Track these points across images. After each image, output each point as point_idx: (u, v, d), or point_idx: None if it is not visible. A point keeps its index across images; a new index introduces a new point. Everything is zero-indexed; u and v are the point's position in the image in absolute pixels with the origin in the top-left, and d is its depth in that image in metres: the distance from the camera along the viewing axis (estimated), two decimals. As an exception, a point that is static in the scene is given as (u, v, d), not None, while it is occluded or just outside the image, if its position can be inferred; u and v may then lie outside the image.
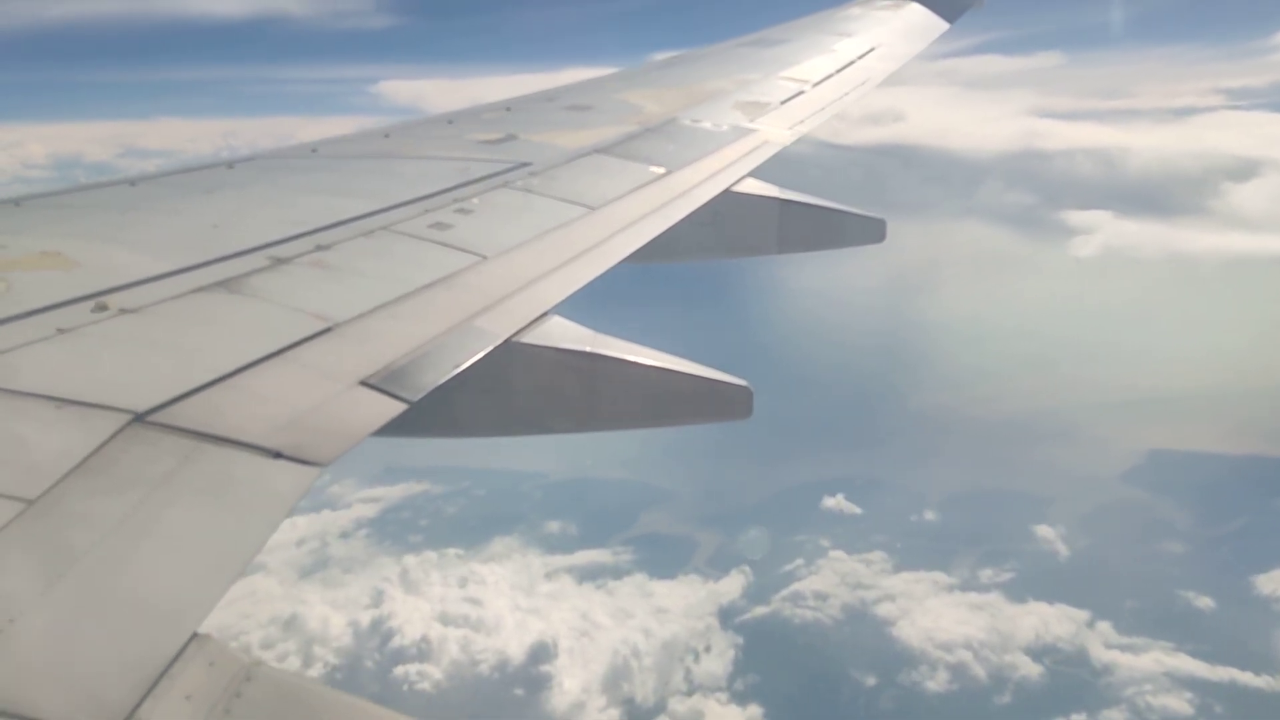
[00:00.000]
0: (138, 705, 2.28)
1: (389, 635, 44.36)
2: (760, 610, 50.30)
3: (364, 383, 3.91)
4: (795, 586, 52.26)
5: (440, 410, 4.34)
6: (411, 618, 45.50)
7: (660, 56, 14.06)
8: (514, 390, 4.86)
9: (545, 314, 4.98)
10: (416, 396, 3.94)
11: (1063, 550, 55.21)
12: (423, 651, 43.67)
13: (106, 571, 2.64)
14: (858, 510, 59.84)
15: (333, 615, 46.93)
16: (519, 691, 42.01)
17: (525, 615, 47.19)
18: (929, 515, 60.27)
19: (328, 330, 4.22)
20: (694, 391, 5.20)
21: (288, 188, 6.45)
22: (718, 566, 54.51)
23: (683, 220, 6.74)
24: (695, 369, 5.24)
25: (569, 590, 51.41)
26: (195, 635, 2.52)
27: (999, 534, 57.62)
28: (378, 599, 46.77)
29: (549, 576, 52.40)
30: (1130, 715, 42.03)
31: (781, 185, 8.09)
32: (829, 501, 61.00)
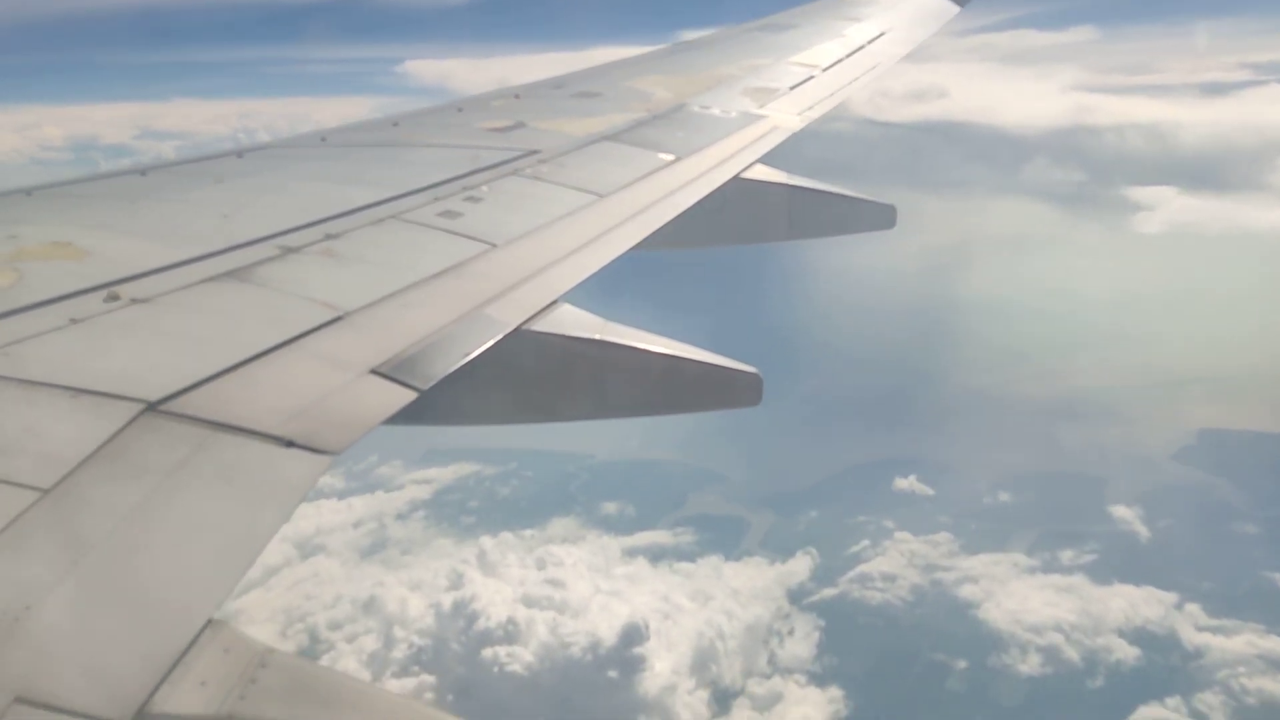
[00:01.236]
0: (153, 692, 2.30)
1: (473, 617, 44.56)
2: (830, 592, 50.29)
3: (375, 371, 3.92)
4: (862, 568, 52.09)
5: (451, 398, 4.35)
6: (494, 600, 45.67)
7: (690, 35, 14.02)
8: (524, 378, 4.87)
9: (555, 302, 4.99)
10: (427, 385, 3.95)
11: (1143, 531, 54.55)
12: (510, 634, 43.91)
13: (121, 559, 2.66)
14: (926, 491, 59.34)
15: (411, 597, 46.97)
16: (613, 674, 42.28)
17: (607, 598, 47.15)
18: (991, 496, 59.84)
19: (338, 319, 4.23)
20: (704, 378, 5.20)
21: (297, 177, 6.46)
22: (772, 548, 54.26)
23: (692, 207, 6.73)
24: (705, 356, 5.23)
25: (645, 572, 51.27)
26: (210, 622, 2.54)
27: (1069, 515, 57.08)
28: (457, 581, 46.81)
29: (626, 558, 52.34)
30: (1226, 698, 41.66)
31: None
32: (889, 482, 60.49)
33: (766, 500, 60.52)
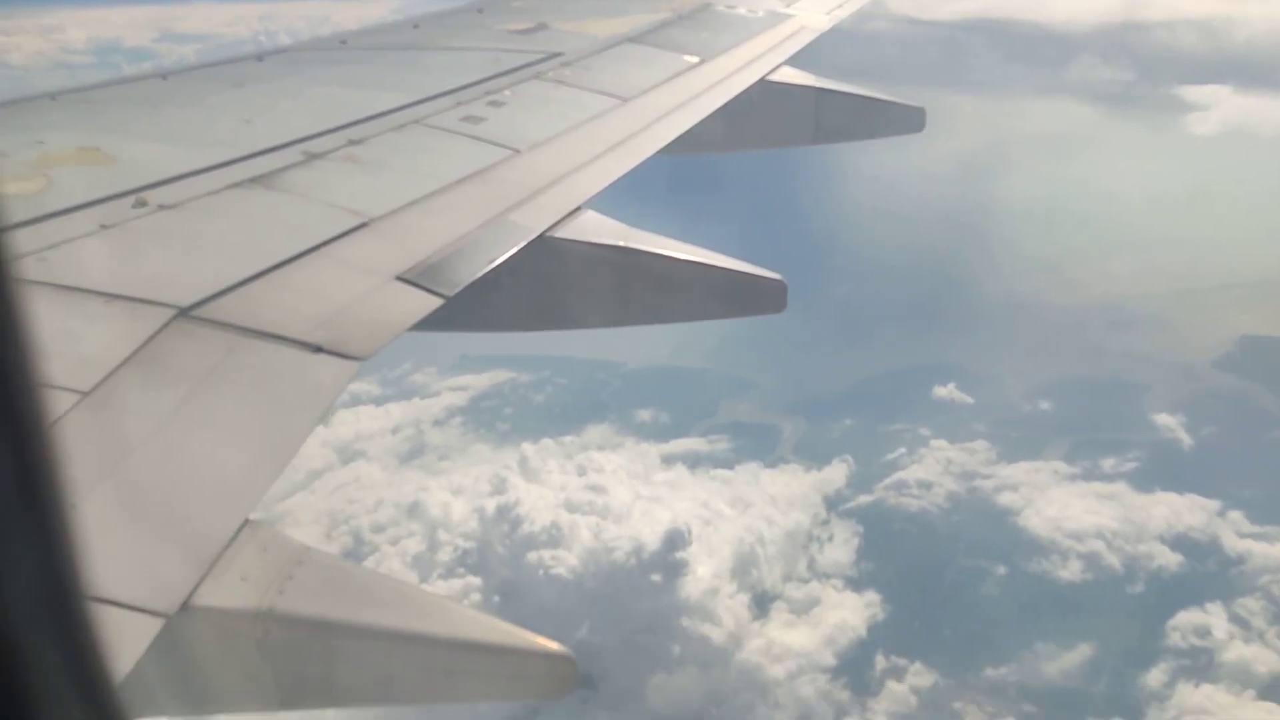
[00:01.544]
0: (196, 587, 2.39)
1: (517, 522, 44.81)
2: (866, 499, 49.78)
3: (400, 278, 3.95)
4: (899, 475, 51.25)
5: (476, 305, 4.38)
6: (537, 505, 45.70)
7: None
8: (548, 285, 4.89)
9: (579, 208, 4.97)
10: (453, 291, 3.98)
11: (1185, 438, 54.19)
12: (554, 538, 44.20)
13: (160, 461, 2.74)
14: (963, 398, 58.67)
15: (454, 502, 47.63)
16: (656, 578, 42.83)
17: (648, 504, 47.43)
18: (1030, 404, 58.48)
19: (363, 225, 4.25)
20: (728, 285, 5.20)
21: (317, 81, 6.40)
22: (807, 455, 54.02)
23: (717, 111, 6.63)
24: (729, 263, 5.22)
25: (684, 479, 51.85)
26: (248, 521, 2.63)
27: (1109, 422, 56.25)
28: (500, 486, 47.49)
29: (664, 465, 53.01)
30: (1267, 603, 41.90)
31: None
32: (924, 390, 59.29)
33: (798, 407, 60.19)
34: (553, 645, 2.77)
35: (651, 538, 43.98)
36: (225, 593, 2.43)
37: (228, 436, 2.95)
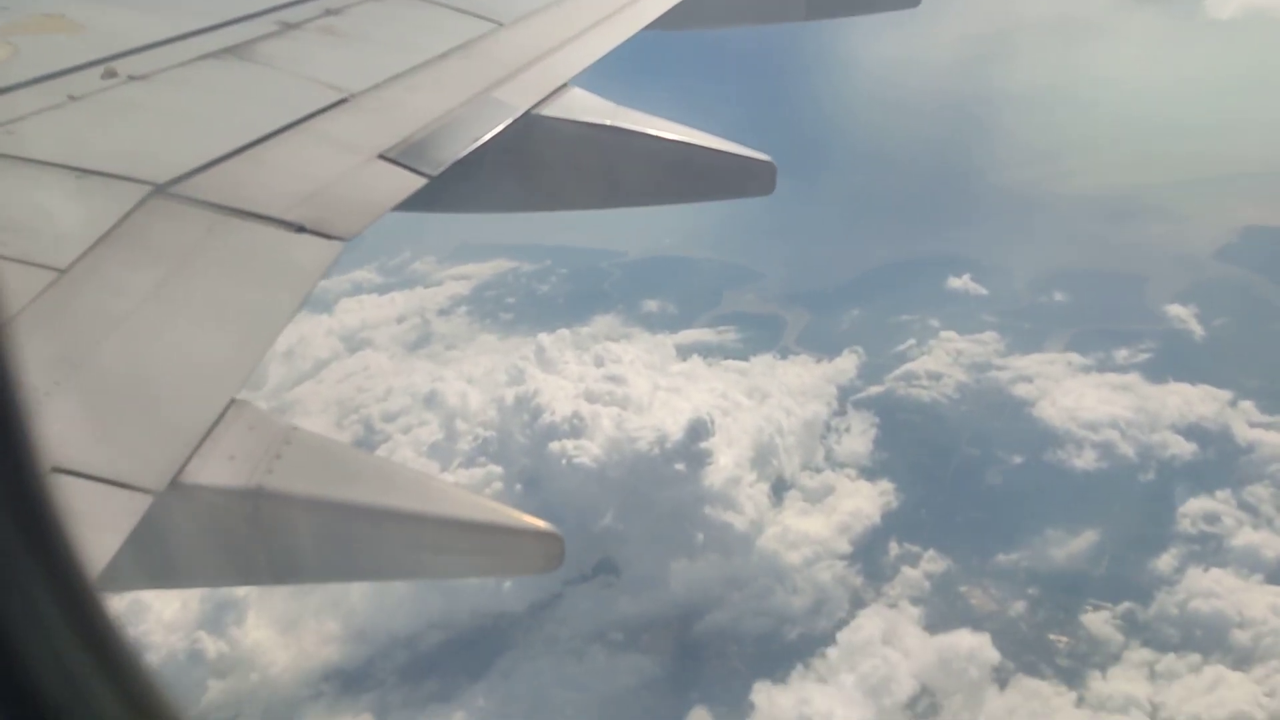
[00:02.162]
0: (184, 464, 2.39)
1: (538, 412, 44.71)
2: (876, 389, 50.02)
3: (383, 156, 3.86)
4: (909, 366, 51.49)
5: (460, 184, 4.30)
6: (556, 395, 45.55)
7: None
8: (534, 164, 4.79)
9: (565, 85, 4.84)
10: (436, 171, 3.89)
11: (1197, 329, 54.20)
12: (575, 428, 44.13)
13: (143, 340, 2.70)
14: (971, 289, 58.06)
15: (471, 391, 47.23)
16: (679, 467, 42.95)
17: (667, 394, 47.33)
18: (1038, 295, 57.98)
19: (343, 101, 4.12)
20: (716, 166, 5.11)
21: (292, -53, 6.12)
22: (815, 346, 53.73)
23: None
24: (718, 143, 5.12)
25: (700, 370, 51.57)
26: (233, 401, 2.62)
27: (1118, 314, 56.17)
28: (518, 376, 47.18)
29: (680, 355, 52.81)
30: (1275, 490, 42.30)
31: None
32: (931, 280, 58.84)
33: (800, 298, 59.63)
34: (539, 523, 2.81)
35: (674, 428, 44.09)
36: (213, 471, 2.43)
37: (210, 317, 2.91)
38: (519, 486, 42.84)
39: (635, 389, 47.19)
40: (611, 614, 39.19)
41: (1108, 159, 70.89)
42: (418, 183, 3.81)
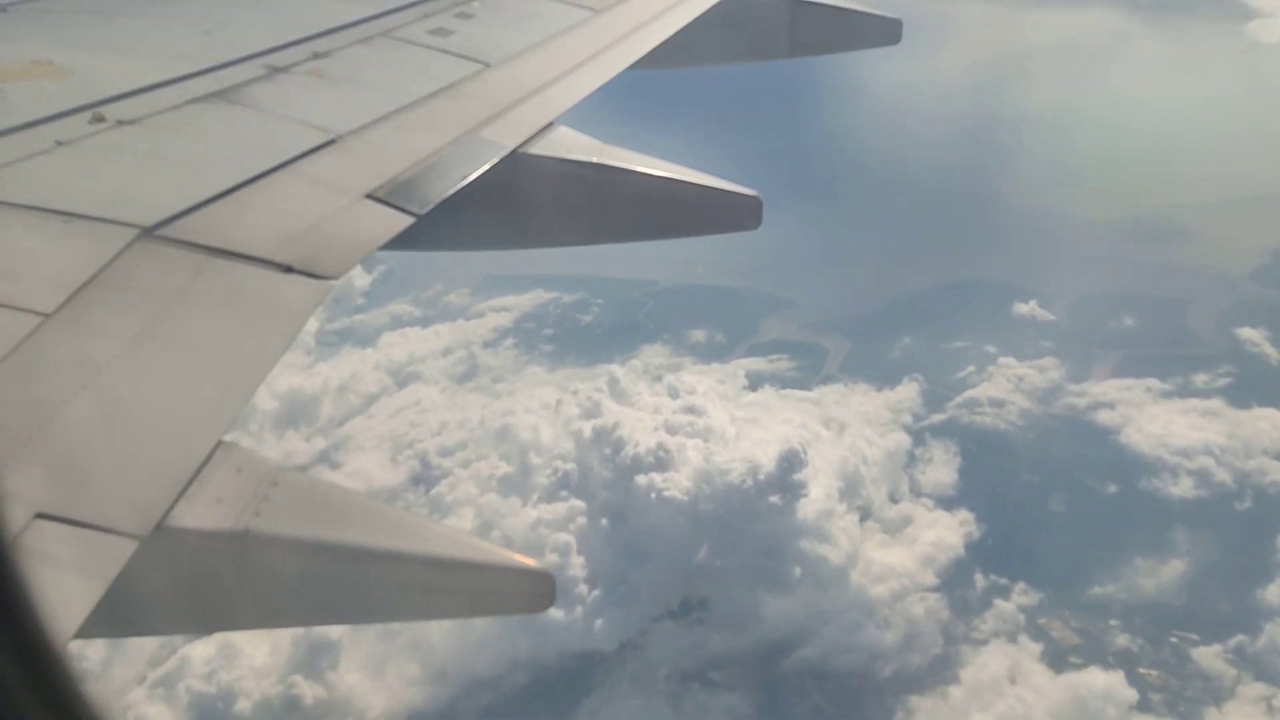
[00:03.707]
0: (170, 508, 2.38)
1: (619, 445, 43.66)
2: (940, 417, 48.85)
3: (370, 196, 3.88)
4: (971, 393, 50.27)
5: (448, 223, 4.32)
6: (636, 427, 44.54)
7: None
8: (521, 202, 4.82)
9: (551, 124, 4.88)
10: (424, 209, 3.91)
11: (1271, 352, 52.12)
12: (661, 461, 42.99)
13: (130, 382, 2.69)
14: (1029, 314, 56.74)
15: (543, 425, 46.07)
16: (775, 499, 41.95)
17: (745, 425, 46.25)
18: (1085, 318, 56.47)
19: (331, 142, 4.15)
20: (702, 202, 5.15)
21: (279, -9, 6.19)
22: (861, 373, 52.33)
23: (692, 23, 6.49)
24: (703, 179, 5.16)
25: (773, 399, 50.12)
26: (221, 443, 2.60)
27: (1177, 337, 54.46)
28: (594, 409, 46.17)
29: (755, 387, 51.86)
30: None
31: None
32: (979, 306, 57.39)
33: (838, 325, 57.87)
34: (529, 562, 2.79)
35: (765, 459, 43.05)
36: (200, 514, 2.42)
37: (198, 359, 2.90)
38: (604, 521, 41.95)
39: (714, 420, 46.16)
40: (704, 651, 38.33)
41: (1131, 181, 70.41)
42: (405, 221, 3.82)
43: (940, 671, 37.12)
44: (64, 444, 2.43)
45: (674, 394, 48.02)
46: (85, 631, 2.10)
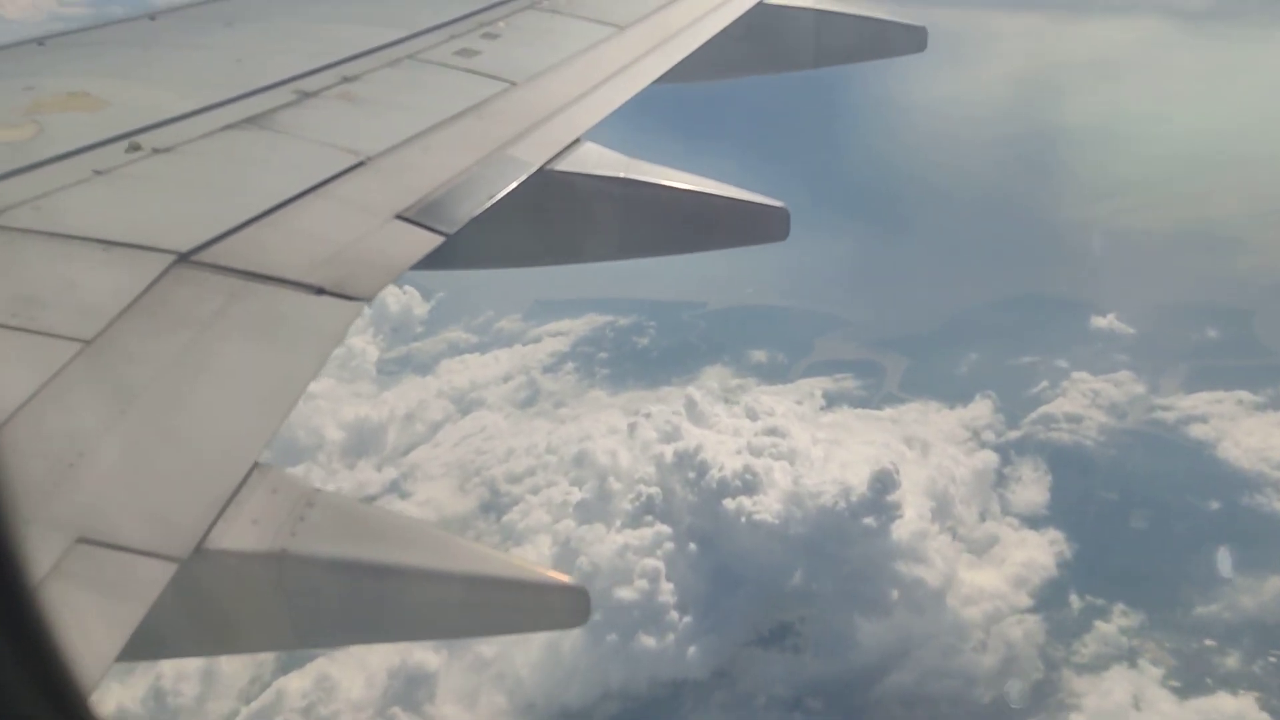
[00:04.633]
0: (208, 530, 2.41)
1: (704, 469, 42.75)
2: (1015, 434, 47.42)
3: (400, 216, 3.91)
4: (1045, 409, 48.75)
5: (478, 241, 4.35)
6: (718, 450, 43.63)
7: None
8: (549, 218, 4.85)
9: (578, 140, 4.90)
10: (454, 229, 3.94)
11: None
12: (748, 484, 42.21)
13: (167, 407, 2.74)
14: (1099, 327, 54.32)
15: (620, 449, 45.13)
16: (869, 521, 40.96)
17: (828, 446, 45.36)
18: (1154, 330, 55.16)
19: (360, 164, 4.19)
20: (730, 214, 5.15)
21: (308, 18, 6.28)
22: (925, 391, 51.43)
23: (716, 36, 6.51)
24: (731, 191, 5.17)
25: (851, 419, 49.39)
26: (256, 465, 2.63)
27: (1257, 348, 53.08)
28: (673, 432, 44.82)
29: (828, 406, 50.86)
30: None
31: None
32: (1039, 320, 56.13)
33: (894, 343, 57.37)
34: (563, 578, 2.80)
35: (855, 480, 42.22)
36: (237, 536, 2.45)
37: (233, 381, 2.94)
38: (692, 545, 41.09)
39: (798, 441, 45.30)
40: (798, 678, 37.55)
41: (1188, 191, 69.04)
42: (435, 241, 3.86)
43: (1046, 697, 35.69)
44: (104, 469, 2.47)
45: (753, 416, 47.03)
46: (128, 654, 2.13)
